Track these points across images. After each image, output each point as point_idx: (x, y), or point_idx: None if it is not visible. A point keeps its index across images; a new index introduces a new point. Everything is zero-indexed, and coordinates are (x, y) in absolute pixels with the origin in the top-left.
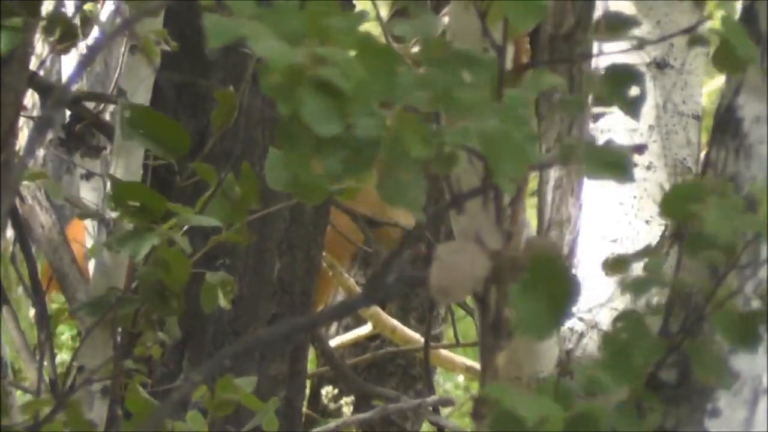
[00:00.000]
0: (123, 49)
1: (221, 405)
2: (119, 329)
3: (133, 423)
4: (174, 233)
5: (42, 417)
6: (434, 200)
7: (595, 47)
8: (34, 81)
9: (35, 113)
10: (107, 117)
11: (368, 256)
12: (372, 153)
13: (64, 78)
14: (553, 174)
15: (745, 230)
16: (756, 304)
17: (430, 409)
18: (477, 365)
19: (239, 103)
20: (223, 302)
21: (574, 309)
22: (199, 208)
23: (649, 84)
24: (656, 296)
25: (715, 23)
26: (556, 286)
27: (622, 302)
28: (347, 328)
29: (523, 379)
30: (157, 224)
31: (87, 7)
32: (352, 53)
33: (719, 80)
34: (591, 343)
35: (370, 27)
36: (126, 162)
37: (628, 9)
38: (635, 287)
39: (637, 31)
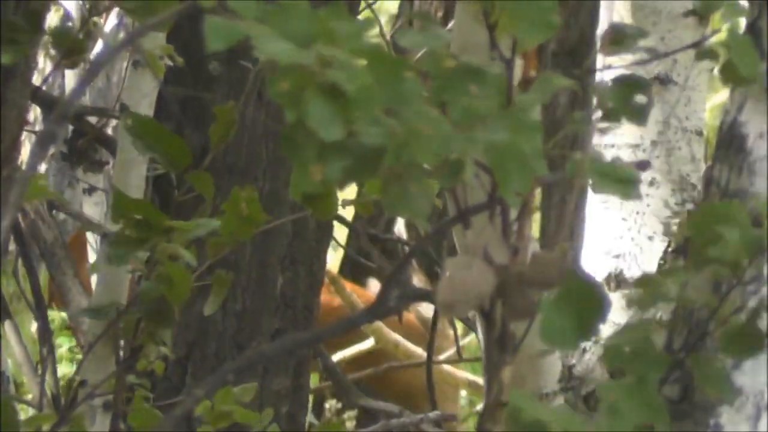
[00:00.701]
0: (126, 63)
1: (220, 416)
2: (121, 343)
3: None
4: (175, 248)
5: None
6: (437, 215)
7: (599, 62)
8: (36, 96)
9: (38, 128)
10: (110, 132)
11: None
12: (376, 161)
13: (67, 93)
14: (557, 189)
15: (756, 248)
16: (761, 321)
17: (433, 424)
18: (479, 380)
19: (242, 116)
20: (214, 305)
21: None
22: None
23: None
24: (659, 311)
25: (721, 36)
26: (587, 303)
27: (622, 317)
28: None
29: None
30: (157, 237)
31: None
32: (361, 60)
33: (722, 96)
34: (593, 358)
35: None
36: (128, 176)
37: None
38: (641, 302)
39: (641, 44)
